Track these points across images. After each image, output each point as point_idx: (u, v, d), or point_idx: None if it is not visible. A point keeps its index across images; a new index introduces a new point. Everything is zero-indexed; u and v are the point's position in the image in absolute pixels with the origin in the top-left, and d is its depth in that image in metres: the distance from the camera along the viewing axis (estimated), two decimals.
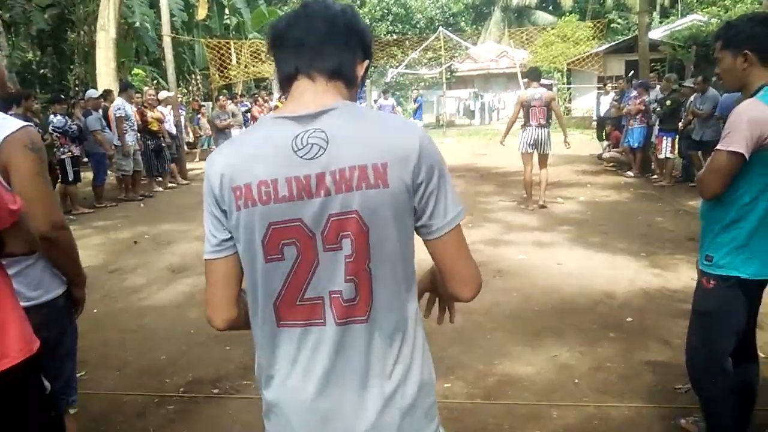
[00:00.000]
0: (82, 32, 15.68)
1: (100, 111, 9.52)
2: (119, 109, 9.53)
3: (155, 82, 18.66)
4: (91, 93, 9.72)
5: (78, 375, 2.33)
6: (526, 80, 8.85)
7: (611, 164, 11.45)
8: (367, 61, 1.26)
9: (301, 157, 1.10)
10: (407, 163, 1.10)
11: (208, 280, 1.21)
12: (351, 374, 1.15)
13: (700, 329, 2.44)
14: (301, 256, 1.13)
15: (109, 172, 9.94)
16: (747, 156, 2.12)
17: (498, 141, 9.01)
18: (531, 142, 7.85)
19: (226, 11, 20.40)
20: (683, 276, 4.82)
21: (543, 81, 22.15)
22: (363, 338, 1.15)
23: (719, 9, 20.77)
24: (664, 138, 9.26)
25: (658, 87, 10.24)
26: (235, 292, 1.21)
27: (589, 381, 3.26)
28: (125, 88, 10.19)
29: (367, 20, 24.37)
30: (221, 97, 13.67)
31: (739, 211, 2.21)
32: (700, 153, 8.72)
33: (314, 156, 1.09)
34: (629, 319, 4.08)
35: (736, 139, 2.12)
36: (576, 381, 3.27)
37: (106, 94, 10.19)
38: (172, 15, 15.75)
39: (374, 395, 1.16)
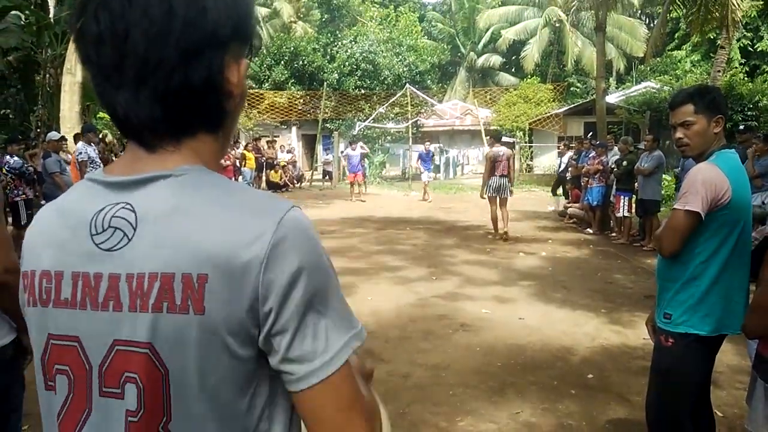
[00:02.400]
0: (48, 74, 15.56)
1: (60, 153, 9.35)
2: (80, 153, 9.40)
3: None
4: (52, 135, 9.55)
5: (23, 429, 2.20)
6: (490, 139, 10.60)
7: (571, 221, 11.72)
8: (244, 61, 0.81)
9: (98, 245, 0.74)
10: (244, 276, 0.70)
11: None
12: None
13: (660, 388, 2.46)
14: (73, 396, 0.76)
15: None
16: (703, 215, 2.19)
17: (463, 196, 9.93)
18: (495, 188, 9.74)
19: None
20: (642, 333, 4.87)
21: (506, 139, 22.84)
22: None
23: (671, 78, 21.95)
24: (622, 197, 9.57)
25: (616, 148, 10.65)
26: None
27: None
28: (85, 131, 10.11)
29: (336, 74, 24.91)
30: None
31: (696, 269, 2.27)
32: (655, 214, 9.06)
33: (113, 247, 0.73)
34: (590, 376, 4.09)
35: (692, 199, 2.20)
36: None
37: (63, 139, 10.01)
38: None
39: None
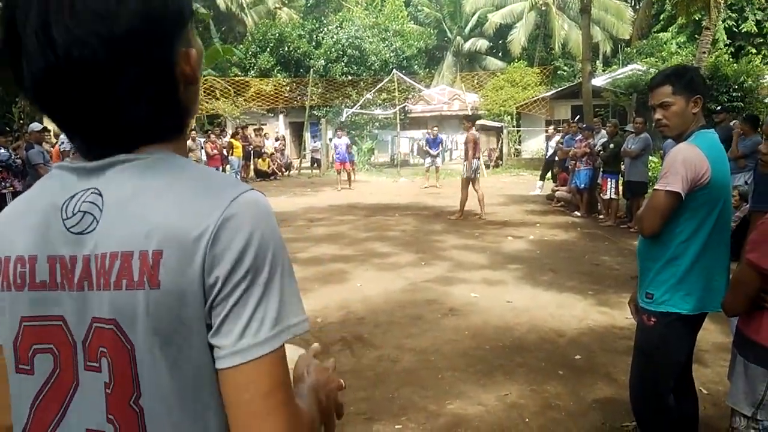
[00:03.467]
0: None
1: (43, 144, 9.25)
2: (63, 143, 9.33)
3: None
4: (34, 126, 9.44)
5: None
6: (467, 123, 10.89)
7: (559, 204, 11.77)
8: (192, 50, 0.80)
9: (69, 229, 0.76)
10: (195, 250, 0.71)
11: None
12: None
13: (642, 366, 2.49)
14: (60, 372, 0.77)
15: None
16: (683, 195, 2.21)
17: (452, 181, 10.32)
18: (475, 169, 10.31)
19: None
20: (628, 313, 4.94)
21: (493, 123, 22.79)
22: None
23: (657, 60, 22.00)
24: (609, 179, 9.63)
25: (603, 131, 10.69)
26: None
27: (538, 420, 3.27)
28: None
29: (323, 61, 24.74)
30: None
31: (677, 248, 2.30)
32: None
33: (84, 230, 0.75)
34: (577, 357, 4.14)
35: (672, 179, 2.22)
36: (526, 420, 3.27)
37: (46, 130, 9.89)
38: None
39: None
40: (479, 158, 10.57)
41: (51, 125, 10.59)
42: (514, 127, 23.05)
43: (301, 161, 22.90)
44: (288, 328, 0.75)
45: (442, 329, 4.70)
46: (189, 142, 15.27)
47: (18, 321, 0.78)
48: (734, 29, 24.69)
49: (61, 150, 9.30)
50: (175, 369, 0.73)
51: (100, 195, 0.75)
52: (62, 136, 9.56)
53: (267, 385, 0.72)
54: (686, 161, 2.22)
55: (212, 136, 16.24)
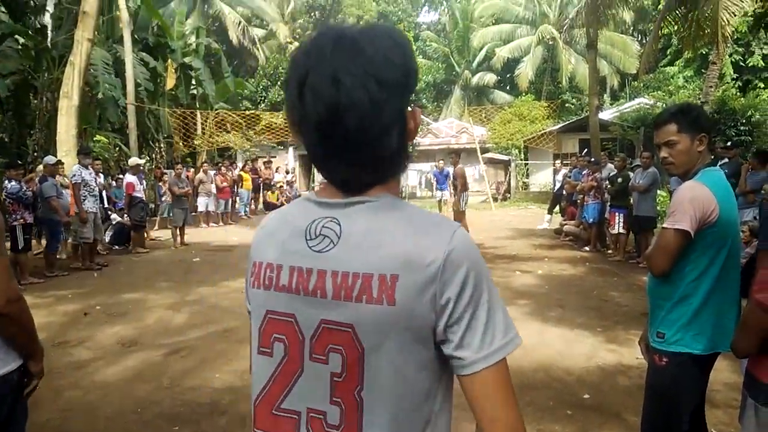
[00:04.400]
0: (45, 98, 15.63)
1: (56, 177, 9.36)
2: (75, 175, 9.44)
3: (117, 149, 18.58)
4: (48, 159, 9.58)
5: None
6: (455, 157, 11.59)
7: (568, 239, 11.73)
8: (417, 109, 1.03)
9: (310, 247, 0.98)
10: (427, 276, 0.91)
11: None
12: None
13: (654, 407, 2.45)
14: (287, 357, 0.99)
15: (70, 239, 9.80)
16: (692, 234, 2.21)
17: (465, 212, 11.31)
18: (466, 202, 11.21)
19: (193, 81, 20.73)
20: (638, 352, 4.86)
21: (501, 156, 22.84)
22: None
23: (664, 94, 22.12)
24: (616, 214, 9.59)
25: (610, 165, 10.70)
26: None
27: None
28: (79, 153, 10.17)
29: None
30: (178, 164, 13.64)
31: (687, 287, 2.28)
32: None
33: (322, 250, 0.96)
34: (586, 396, 4.07)
35: (681, 217, 2.21)
36: None
37: (60, 163, 9.96)
38: (138, 85, 15.91)
39: None
40: (467, 191, 11.38)
41: (66, 158, 10.75)
42: (522, 160, 23.13)
43: None
44: (512, 340, 0.96)
45: None
46: (200, 174, 15.47)
47: (264, 313, 1.03)
48: (741, 63, 24.83)
49: (72, 183, 9.39)
50: (396, 373, 0.92)
51: (339, 224, 0.97)
52: (74, 168, 9.67)
53: (502, 386, 0.94)
54: (694, 200, 2.22)
55: (222, 168, 16.40)
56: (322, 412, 0.96)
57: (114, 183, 14.03)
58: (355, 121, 0.92)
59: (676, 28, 16.78)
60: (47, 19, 16.09)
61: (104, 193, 12.13)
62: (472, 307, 0.92)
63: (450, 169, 18.64)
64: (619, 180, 9.60)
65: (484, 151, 22.21)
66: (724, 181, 2.36)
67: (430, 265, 0.91)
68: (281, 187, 20.20)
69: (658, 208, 9.52)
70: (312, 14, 31.36)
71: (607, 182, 10.04)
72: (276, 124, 23.96)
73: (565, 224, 12.08)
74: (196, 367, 4.81)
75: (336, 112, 0.91)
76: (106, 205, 12.19)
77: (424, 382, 0.95)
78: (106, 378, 4.65)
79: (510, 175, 22.68)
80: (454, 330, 0.92)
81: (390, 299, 0.90)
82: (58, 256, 9.56)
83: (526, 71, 30.34)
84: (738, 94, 19.56)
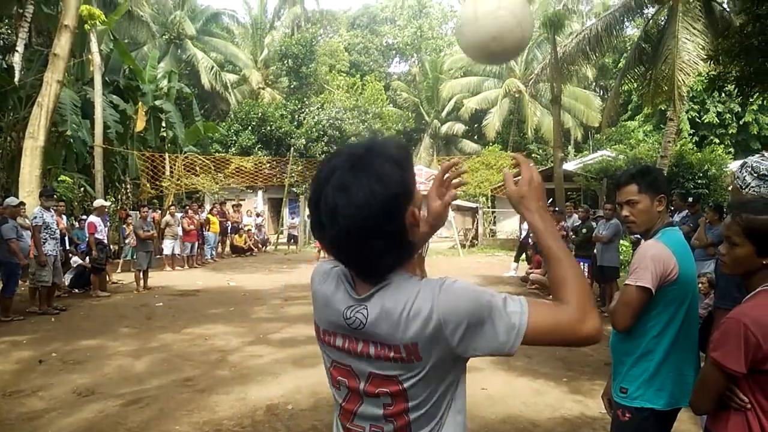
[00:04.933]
0: (9, 138, 15.38)
1: (17, 219, 9.13)
2: (36, 217, 9.22)
3: (82, 189, 18.27)
4: (10, 201, 9.36)
5: None
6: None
7: (534, 287, 11.85)
8: (415, 210, 1.27)
9: (349, 325, 1.30)
10: (436, 333, 1.21)
11: None
12: None
13: None
14: (350, 394, 1.37)
15: (27, 282, 9.50)
16: (653, 291, 2.28)
17: (429, 260, 10.10)
18: (427, 248, 10.53)
19: (163, 124, 20.67)
20: (603, 403, 4.90)
21: (468, 204, 23.14)
22: None
23: (625, 147, 22.91)
24: (581, 264, 9.75)
25: (575, 215, 10.95)
26: None
27: None
28: (41, 195, 9.97)
29: (303, 140, 25.28)
30: (144, 207, 13.43)
31: (649, 343, 2.33)
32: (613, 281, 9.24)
33: (357, 327, 1.29)
34: None
35: (643, 275, 2.28)
36: None
37: (22, 204, 9.73)
38: (107, 127, 15.81)
39: None
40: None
41: (28, 199, 10.52)
42: (489, 208, 23.49)
43: (278, 237, 22.88)
44: (520, 326, 1.23)
45: None
46: (167, 217, 15.26)
47: (331, 361, 1.39)
48: (697, 120, 25.98)
49: (33, 225, 9.17)
50: (435, 400, 1.28)
51: (366, 310, 1.27)
52: (36, 210, 9.46)
53: (542, 330, 1.25)
54: (655, 257, 2.30)
55: (190, 211, 16.21)
56: (380, 427, 1.33)
57: (77, 224, 13.71)
58: (353, 246, 1.22)
59: (636, 85, 17.57)
60: (16, 59, 15.99)
61: (66, 235, 11.84)
62: (473, 333, 1.22)
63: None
64: (584, 231, 9.82)
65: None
66: (683, 240, 2.46)
67: (430, 322, 1.21)
68: (249, 230, 20.03)
69: (622, 257, 9.73)
70: (285, 61, 31.81)
71: (572, 232, 10.26)
72: (246, 167, 23.95)
73: (531, 272, 12.21)
74: (156, 418, 4.66)
75: (340, 239, 1.23)
76: (67, 247, 11.89)
77: (456, 396, 1.34)
78: (60, 430, 4.46)
79: (477, 222, 22.97)
80: (475, 347, 1.23)
81: (417, 357, 1.24)
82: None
83: (493, 122, 31.19)
84: (694, 148, 20.40)
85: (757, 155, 2.83)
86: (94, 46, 15.18)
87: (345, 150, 1.25)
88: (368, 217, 1.17)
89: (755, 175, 2.68)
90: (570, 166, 21.22)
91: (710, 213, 8.11)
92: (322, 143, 25.42)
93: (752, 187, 2.67)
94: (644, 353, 2.34)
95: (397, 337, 1.23)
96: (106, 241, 11.46)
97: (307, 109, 27.20)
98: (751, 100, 11.87)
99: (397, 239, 1.23)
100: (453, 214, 21.94)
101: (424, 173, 27.78)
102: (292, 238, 22.47)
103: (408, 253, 1.30)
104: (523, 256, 14.04)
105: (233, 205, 20.44)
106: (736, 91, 10.31)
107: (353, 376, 1.33)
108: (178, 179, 19.92)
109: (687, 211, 9.19)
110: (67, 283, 11.31)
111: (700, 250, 7.77)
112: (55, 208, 10.02)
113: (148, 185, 19.32)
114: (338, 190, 1.18)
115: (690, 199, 9.60)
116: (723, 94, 22.97)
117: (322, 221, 1.21)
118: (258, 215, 22.08)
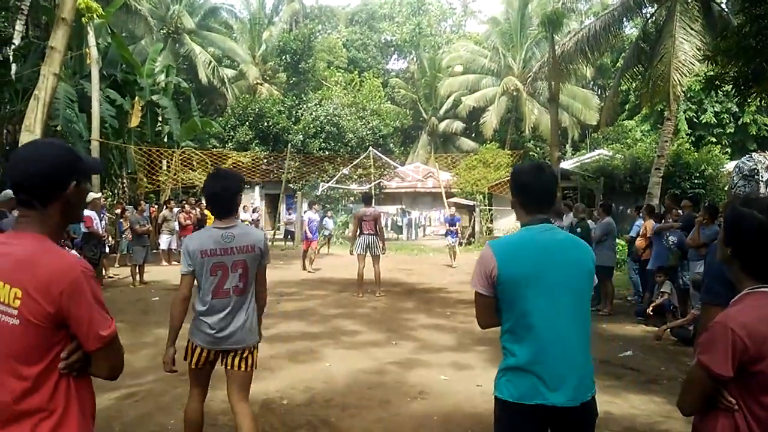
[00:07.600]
0: (5, 131, 15.34)
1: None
2: None
3: None
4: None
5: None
6: (362, 203, 11.24)
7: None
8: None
9: (224, 240, 3.24)
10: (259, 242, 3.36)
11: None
12: (238, 312, 3.31)
13: None
14: (222, 275, 3.24)
15: None
16: (486, 293, 2.32)
17: (425, 258, 9.76)
18: (364, 246, 10.41)
19: (159, 119, 20.63)
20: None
21: (465, 201, 23.16)
22: (244, 301, 3.34)
23: (622, 146, 22.96)
24: None
25: (571, 214, 10.96)
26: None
27: None
28: None
29: (301, 136, 25.25)
30: (141, 201, 13.39)
31: (502, 340, 2.42)
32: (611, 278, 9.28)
33: (229, 241, 3.24)
34: None
35: (473, 279, 2.36)
36: None
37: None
38: (103, 121, 15.77)
39: (241, 318, 3.32)
40: (370, 234, 10.44)
41: None
42: (486, 206, 23.53)
43: (275, 233, 22.88)
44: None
45: (411, 414, 4.62)
46: (165, 212, 15.23)
47: (211, 264, 3.25)
48: (695, 120, 26.02)
49: None
50: (252, 272, 3.38)
51: (233, 233, 3.33)
52: None
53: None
54: (479, 260, 2.35)
55: (186, 206, 16.19)
56: (237, 286, 3.29)
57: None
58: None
59: (634, 84, 17.58)
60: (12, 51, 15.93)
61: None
62: None
63: (458, 217, 18.52)
64: (579, 230, 9.83)
65: (450, 195, 22.53)
66: (519, 239, 2.41)
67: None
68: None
69: (618, 256, 9.76)
70: (283, 57, 31.76)
71: (569, 232, 10.28)
72: (243, 163, 23.92)
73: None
74: (151, 413, 4.67)
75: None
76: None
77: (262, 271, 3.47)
78: None
79: (474, 220, 23.00)
80: None
81: (256, 250, 3.34)
82: None
83: (491, 120, 31.19)
84: (692, 148, 20.44)
85: (746, 156, 2.86)
86: (91, 39, 15.13)
87: None
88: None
89: (741, 175, 2.71)
90: (567, 164, 21.25)
91: (704, 213, 8.12)
92: (320, 139, 25.41)
93: (739, 186, 2.71)
94: (502, 347, 2.44)
95: (249, 242, 3.27)
96: (103, 234, 11.40)
97: (304, 105, 27.15)
98: (748, 101, 11.89)
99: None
100: (454, 210, 21.98)
101: (421, 170, 27.85)
102: (289, 234, 22.44)
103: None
104: None
105: None
106: (733, 91, 10.33)
107: (227, 266, 3.23)
108: (175, 174, 19.90)
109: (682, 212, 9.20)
110: None
111: (693, 251, 7.80)
112: None
113: (144, 180, 19.30)
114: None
115: (683, 203, 9.55)
116: (720, 94, 23.03)
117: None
118: (254, 211, 22.06)
